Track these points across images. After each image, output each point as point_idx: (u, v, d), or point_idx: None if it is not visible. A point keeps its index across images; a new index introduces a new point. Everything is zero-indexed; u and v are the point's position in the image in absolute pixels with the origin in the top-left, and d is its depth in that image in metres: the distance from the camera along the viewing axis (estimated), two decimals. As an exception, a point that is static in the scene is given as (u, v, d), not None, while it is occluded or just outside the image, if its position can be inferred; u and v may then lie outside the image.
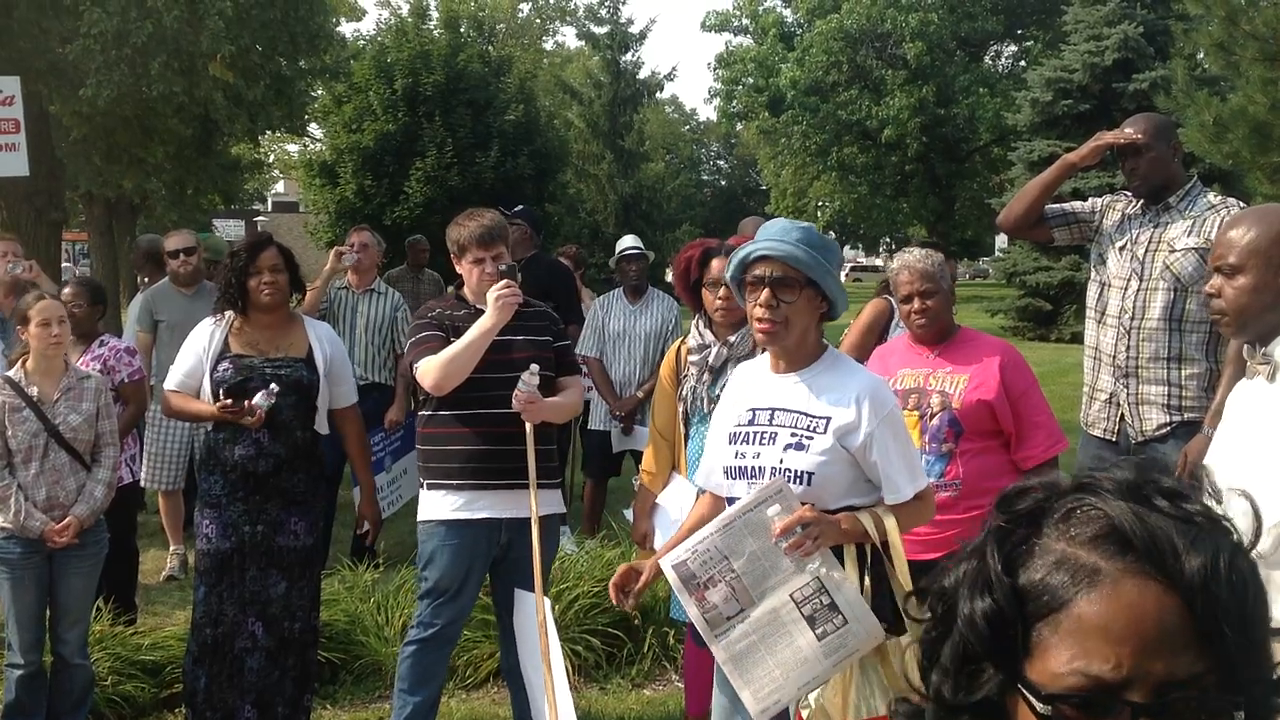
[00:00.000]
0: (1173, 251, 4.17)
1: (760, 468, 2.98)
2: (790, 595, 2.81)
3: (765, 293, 2.94)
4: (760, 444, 3.00)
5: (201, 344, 4.59)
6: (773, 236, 2.99)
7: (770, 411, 3.03)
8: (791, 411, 2.98)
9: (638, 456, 7.27)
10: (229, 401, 4.40)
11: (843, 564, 2.88)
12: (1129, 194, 4.42)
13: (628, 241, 7.79)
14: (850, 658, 2.78)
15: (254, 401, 4.38)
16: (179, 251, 7.08)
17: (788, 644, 2.80)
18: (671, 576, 2.95)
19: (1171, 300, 4.16)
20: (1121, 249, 4.32)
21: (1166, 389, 4.18)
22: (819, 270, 2.94)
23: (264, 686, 4.48)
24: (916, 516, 2.99)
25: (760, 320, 2.97)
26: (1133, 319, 4.24)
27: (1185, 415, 4.17)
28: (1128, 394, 4.26)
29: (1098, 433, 4.40)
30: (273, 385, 4.41)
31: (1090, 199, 4.57)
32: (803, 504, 2.86)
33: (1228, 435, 2.53)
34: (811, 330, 3.02)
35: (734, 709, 3.14)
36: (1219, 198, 4.27)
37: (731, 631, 2.85)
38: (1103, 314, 4.38)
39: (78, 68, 11.18)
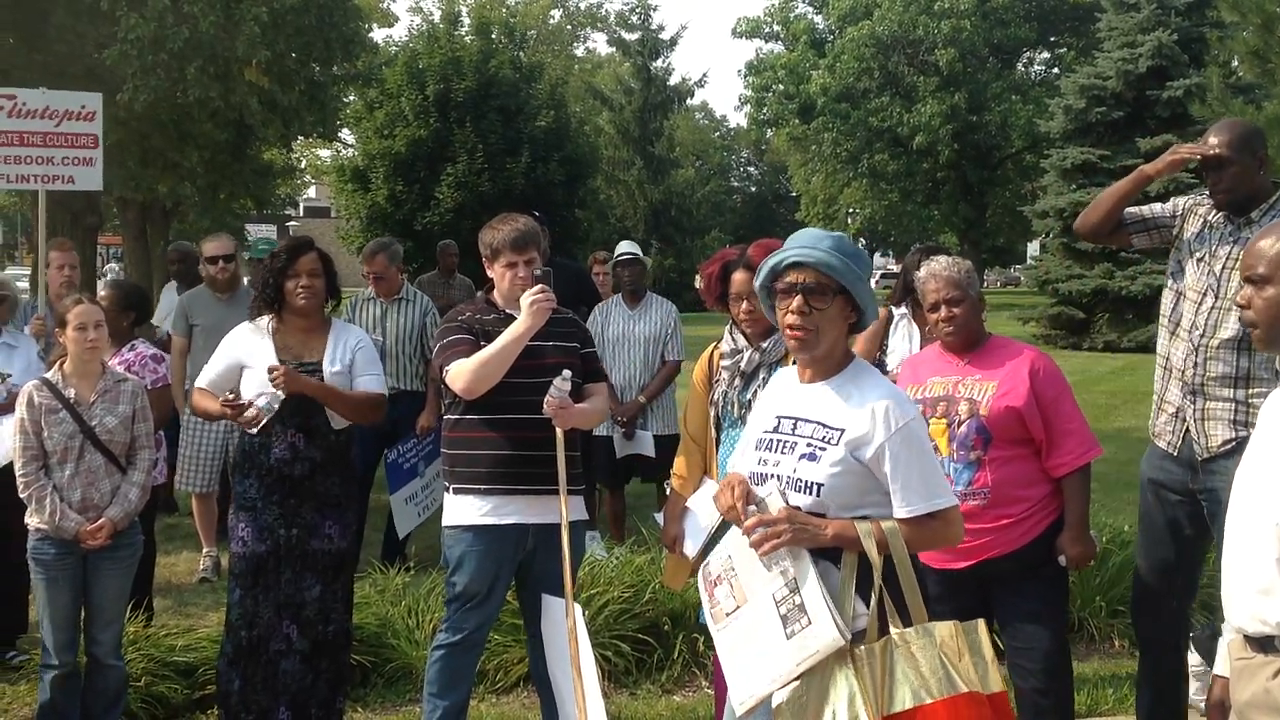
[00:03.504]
0: None
1: (778, 475, 2.98)
2: (771, 594, 2.87)
3: (797, 300, 2.91)
4: (781, 452, 3.00)
5: (241, 349, 4.62)
6: (804, 244, 2.98)
7: (794, 421, 3.02)
8: (811, 421, 2.98)
9: (642, 461, 7.29)
10: (231, 396, 4.43)
11: (838, 568, 2.89)
12: (1210, 195, 4.25)
13: (624, 247, 7.81)
14: (814, 659, 2.80)
15: (256, 403, 4.40)
16: (218, 258, 7.12)
17: (764, 640, 2.87)
18: (700, 576, 3.09)
19: None
20: (1199, 260, 4.16)
21: (1233, 406, 4.05)
22: (851, 277, 2.93)
23: (299, 689, 4.51)
24: (933, 536, 2.94)
25: (792, 328, 2.96)
26: (1203, 336, 4.09)
27: (1251, 430, 4.02)
28: (1194, 410, 4.12)
29: (1162, 444, 4.27)
30: (279, 392, 4.41)
31: (1171, 200, 4.42)
32: (793, 509, 2.88)
33: (1258, 446, 2.51)
34: (841, 340, 3.01)
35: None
36: None
37: (728, 627, 2.96)
38: (1175, 325, 4.24)
39: (114, 73, 11.31)
